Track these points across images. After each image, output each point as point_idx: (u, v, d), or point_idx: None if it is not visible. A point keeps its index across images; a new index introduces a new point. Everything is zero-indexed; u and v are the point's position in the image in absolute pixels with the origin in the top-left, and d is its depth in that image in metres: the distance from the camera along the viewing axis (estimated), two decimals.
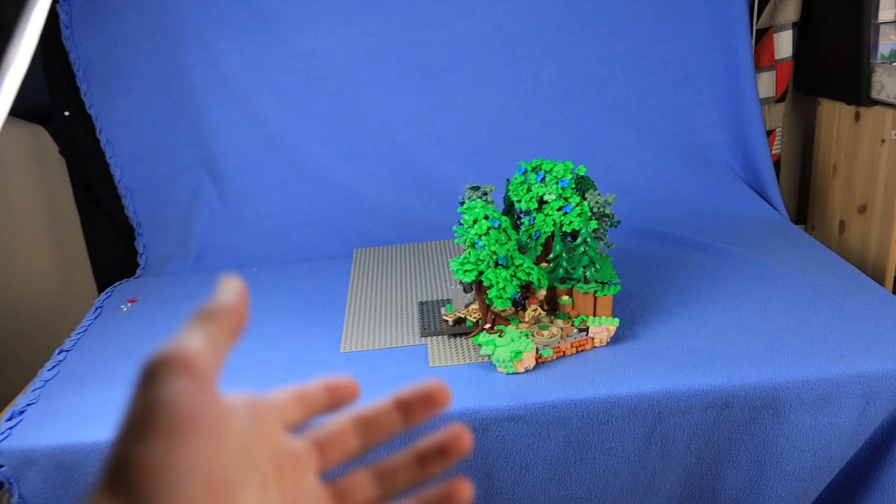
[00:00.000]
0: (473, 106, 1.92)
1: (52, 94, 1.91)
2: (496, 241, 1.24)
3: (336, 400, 0.39)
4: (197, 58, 1.87)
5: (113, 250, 2.01)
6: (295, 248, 1.90)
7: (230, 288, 0.36)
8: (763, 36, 1.95)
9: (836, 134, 1.96)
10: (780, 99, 2.00)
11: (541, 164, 1.37)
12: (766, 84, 1.98)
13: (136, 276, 1.91)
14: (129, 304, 1.70)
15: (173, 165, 1.95)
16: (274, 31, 1.86)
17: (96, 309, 1.70)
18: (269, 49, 1.87)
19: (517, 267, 1.26)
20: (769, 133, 2.01)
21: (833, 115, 1.96)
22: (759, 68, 1.97)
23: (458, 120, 1.92)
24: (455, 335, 1.41)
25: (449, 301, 1.52)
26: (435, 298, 1.58)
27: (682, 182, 1.92)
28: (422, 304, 1.55)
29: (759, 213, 1.87)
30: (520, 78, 1.91)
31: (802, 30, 1.98)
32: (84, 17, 1.85)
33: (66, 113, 1.92)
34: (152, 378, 0.31)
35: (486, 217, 1.24)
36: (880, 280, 1.85)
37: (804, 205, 2.20)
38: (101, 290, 1.95)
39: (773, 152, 2.06)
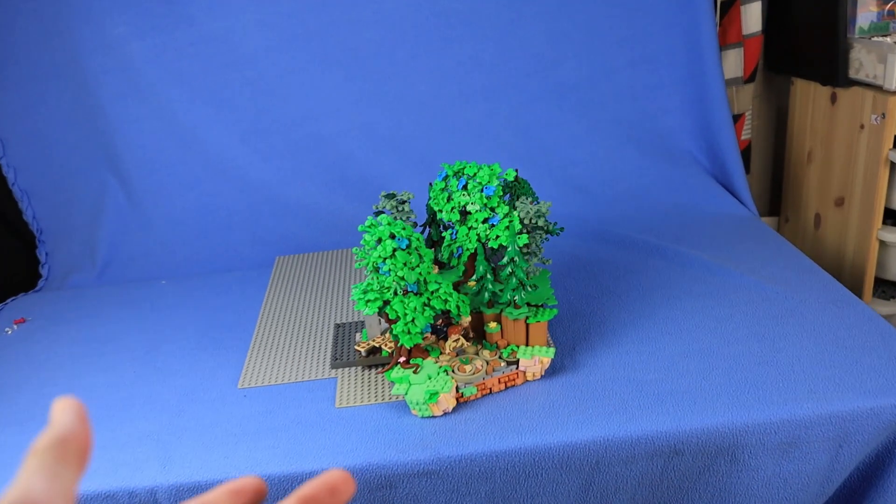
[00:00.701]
0: (406, 93, 1.71)
1: None
2: (405, 264, 1.04)
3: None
4: (92, 44, 1.65)
5: (14, 260, 1.80)
6: (212, 256, 1.71)
7: (66, 411, 0.32)
8: (729, 9, 1.75)
9: (811, 117, 1.77)
10: (749, 79, 1.80)
11: (463, 168, 1.18)
12: (734, 63, 1.78)
13: (37, 288, 1.71)
14: (14, 327, 1.51)
15: (74, 165, 1.74)
16: (178, 12, 1.64)
17: None
18: (173, 33, 1.65)
19: (432, 293, 1.07)
20: (737, 117, 1.82)
21: (807, 96, 1.77)
22: (724, 45, 1.77)
23: (390, 109, 1.72)
24: (368, 367, 1.22)
25: (364, 325, 1.33)
26: (354, 319, 1.38)
27: (641, 175, 1.73)
28: (338, 326, 1.36)
29: (725, 208, 1.68)
30: (457, 61, 1.70)
31: (773, 1, 1.77)
32: None
33: None
34: None
35: (393, 236, 1.05)
36: (859, 281, 1.67)
37: (777, 195, 2.01)
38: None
39: (743, 138, 1.87)
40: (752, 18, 1.75)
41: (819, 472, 1.07)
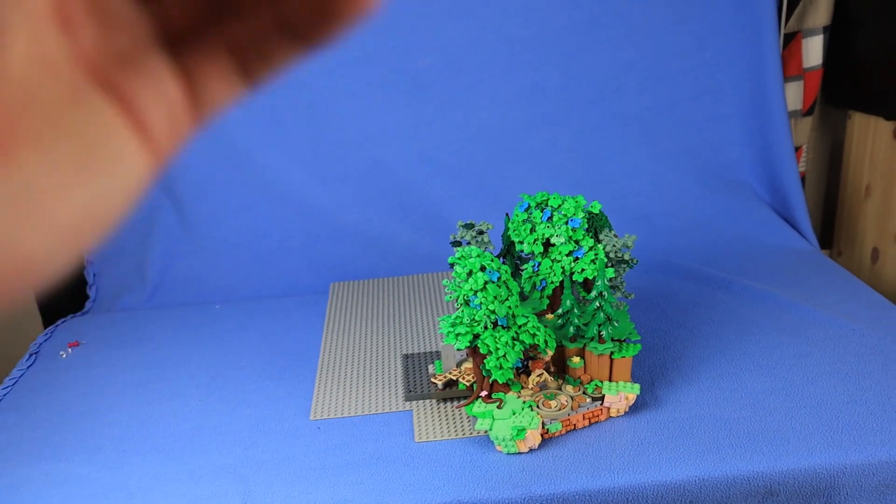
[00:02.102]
0: (468, 119, 1.70)
1: None
2: (495, 297, 1.02)
3: None
4: None
5: (60, 281, 1.78)
6: (265, 280, 1.68)
7: None
8: (790, 42, 1.74)
9: (871, 151, 1.75)
10: (808, 112, 1.79)
11: (547, 200, 1.16)
12: (793, 96, 1.77)
13: (84, 311, 1.69)
14: (69, 350, 1.48)
15: None
16: None
17: (30, 356, 1.48)
18: None
19: (520, 327, 1.05)
20: (795, 150, 1.80)
21: (867, 130, 1.76)
22: (785, 78, 1.76)
23: (451, 136, 1.70)
24: (445, 400, 1.20)
25: (438, 356, 1.30)
26: (422, 350, 1.36)
27: (702, 206, 1.71)
28: (406, 357, 1.33)
29: (786, 241, 1.66)
30: (520, 87, 1.69)
31: (834, 34, 1.77)
32: None
33: None
34: None
35: (483, 268, 1.03)
36: None
37: (829, 228, 1.99)
38: (47, 328, 1.73)
39: (799, 171, 1.85)
40: (813, 52, 1.74)
41: None
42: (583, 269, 1.11)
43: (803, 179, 1.89)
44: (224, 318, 1.56)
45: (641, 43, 1.68)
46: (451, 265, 1.05)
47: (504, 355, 1.02)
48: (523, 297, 1.22)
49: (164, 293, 1.70)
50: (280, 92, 1.68)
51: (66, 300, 1.75)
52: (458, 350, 1.07)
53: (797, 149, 1.82)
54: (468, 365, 1.20)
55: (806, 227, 1.68)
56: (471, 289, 1.02)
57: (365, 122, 1.69)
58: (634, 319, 1.39)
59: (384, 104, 1.69)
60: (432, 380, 1.20)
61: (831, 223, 1.98)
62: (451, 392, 1.19)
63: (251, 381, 1.32)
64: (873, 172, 1.75)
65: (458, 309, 1.05)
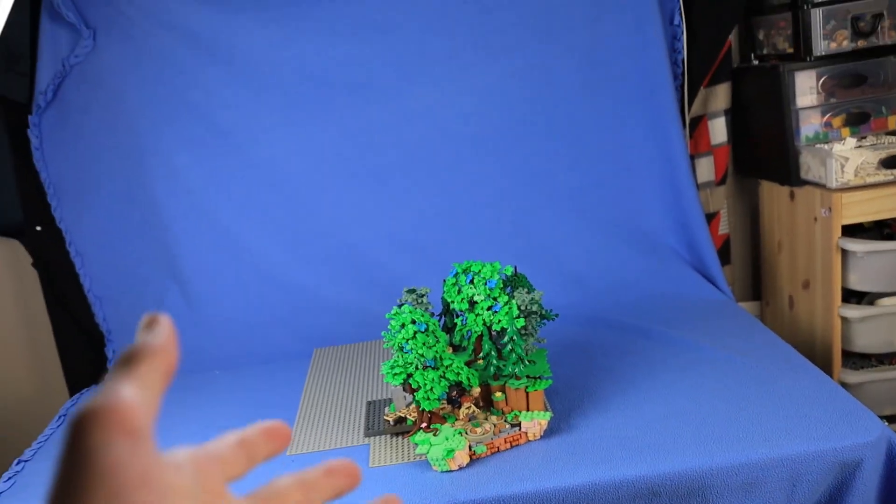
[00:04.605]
0: (424, 205, 2.01)
1: (24, 211, 2.01)
2: (423, 343, 1.29)
3: (274, 445, 0.37)
4: (160, 172, 1.97)
5: (84, 357, 2.07)
6: (257, 348, 1.96)
7: (157, 326, 0.33)
8: (698, 124, 2.04)
9: (777, 212, 2.03)
10: (721, 182, 2.08)
11: (470, 266, 1.44)
12: (706, 168, 2.06)
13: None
14: None
15: (140, 274, 2.03)
16: (231, 143, 1.97)
17: (60, 417, 1.75)
18: (226, 160, 1.97)
19: (447, 367, 1.32)
20: (713, 215, 2.08)
21: (772, 194, 2.04)
22: (696, 154, 2.06)
23: (410, 219, 2.01)
24: (396, 434, 1.45)
25: (392, 400, 1.57)
26: (382, 397, 1.62)
27: (630, 268, 1.98)
28: (369, 403, 1.60)
29: (704, 294, 1.93)
30: (467, 177, 2.00)
31: (735, 116, 2.07)
32: (53, 138, 1.96)
33: (38, 228, 2.01)
34: (83, 436, 0.28)
35: (414, 321, 1.30)
36: (828, 354, 1.89)
37: (758, 282, 2.26)
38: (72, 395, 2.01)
39: (721, 233, 2.13)
40: (718, 130, 2.04)
41: None
42: (499, 321, 1.38)
43: (729, 241, 2.16)
44: (221, 382, 1.84)
45: (566, 134, 1.99)
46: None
47: (431, 388, 1.28)
48: (458, 349, 1.49)
49: None
50: (266, 189, 2.00)
51: (89, 376, 2.04)
52: (394, 386, 1.33)
53: (715, 213, 2.10)
54: (414, 404, 1.46)
55: (720, 280, 1.94)
56: (403, 337, 1.29)
57: (337, 211, 2.00)
58: (561, 363, 1.65)
59: (353, 196, 2.00)
60: (385, 418, 1.46)
61: (759, 278, 2.24)
62: (400, 427, 1.45)
63: (238, 425, 1.58)
64: (781, 230, 2.03)
65: (394, 355, 1.32)
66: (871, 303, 1.86)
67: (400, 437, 1.44)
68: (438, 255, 2.02)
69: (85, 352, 2.08)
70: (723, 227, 2.13)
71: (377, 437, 1.46)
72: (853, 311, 1.82)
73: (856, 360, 1.96)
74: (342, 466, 0.38)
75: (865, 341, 1.85)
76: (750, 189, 2.20)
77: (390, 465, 1.36)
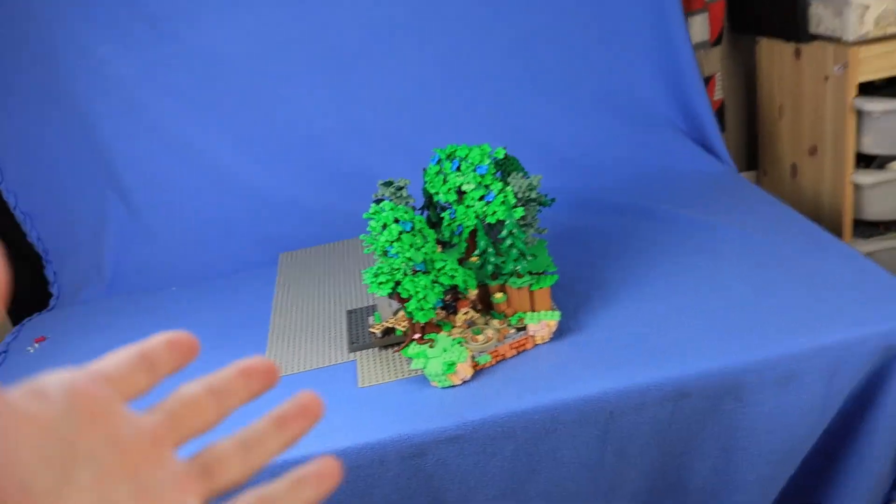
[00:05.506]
0: (390, 89, 1.77)
1: None
2: (411, 245, 1.11)
3: (180, 357, 0.35)
4: (79, 65, 1.69)
5: (23, 283, 1.85)
6: (216, 260, 1.76)
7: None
8: None
9: (778, 74, 1.84)
10: (716, 42, 1.88)
11: (455, 151, 1.24)
12: (700, 27, 1.85)
13: (49, 307, 1.76)
14: (35, 345, 1.56)
15: (73, 184, 1.79)
16: (162, 29, 1.69)
17: (0, 354, 1.55)
18: (159, 49, 1.70)
19: (438, 271, 1.14)
20: (708, 79, 1.89)
21: (773, 53, 1.84)
22: (689, 12, 1.84)
23: (376, 106, 1.78)
24: (385, 347, 1.29)
25: (376, 308, 1.39)
26: (364, 305, 1.45)
27: (622, 143, 1.80)
28: (350, 312, 1.42)
29: (704, 166, 1.76)
30: (435, 54, 1.77)
31: None
32: None
33: None
34: None
35: (397, 220, 1.11)
36: (838, 224, 1.75)
37: (753, 150, 2.09)
38: (15, 326, 1.80)
39: (716, 98, 1.94)
40: None
41: (816, 401, 1.15)
42: (494, 212, 1.20)
43: (723, 106, 1.98)
44: (180, 300, 1.64)
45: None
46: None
47: (424, 297, 1.10)
48: (447, 245, 1.30)
49: (122, 283, 1.77)
50: (210, 81, 1.74)
51: (31, 300, 1.82)
52: (380, 296, 1.15)
53: (710, 77, 1.90)
54: (403, 312, 1.29)
55: (721, 150, 1.77)
56: (386, 240, 1.10)
57: (293, 101, 1.76)
58: (559, 255, 1.48)
59: (309, 82, 1.76)
60: (371, 330, 1.29)
61: (755, 145, 2.08)
62: (389, 339, 1.28)
63: (205, 353, 1.40)
64: (783, 93, 1.85)
65: (377, 260, 1.13)
66: (882, 167, 1.71)
67: (390, 350, 1.28)
68: (409, 144, 1.81)
69: (22, 276, 1.84)
70: (718, 92, 1.94)
71: (364, 351, 1.29)
72: (867, 177, 1.67)
73: (863, 228, 1.83)
74: (257, 365, 0.36)
75: (877, 208, 1.71)
76: (745, 49, 2.00)
77: (383, 384, 1.20)
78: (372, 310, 1.40)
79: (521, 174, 1.24)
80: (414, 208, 1.27)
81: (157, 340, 0.34)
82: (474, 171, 1.21)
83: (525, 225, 1.22)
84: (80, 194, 1.79)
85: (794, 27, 1.68)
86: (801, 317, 1.18)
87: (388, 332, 1.28)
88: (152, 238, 1.78)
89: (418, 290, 1.10)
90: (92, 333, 1.57)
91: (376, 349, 1.29)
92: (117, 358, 0.32)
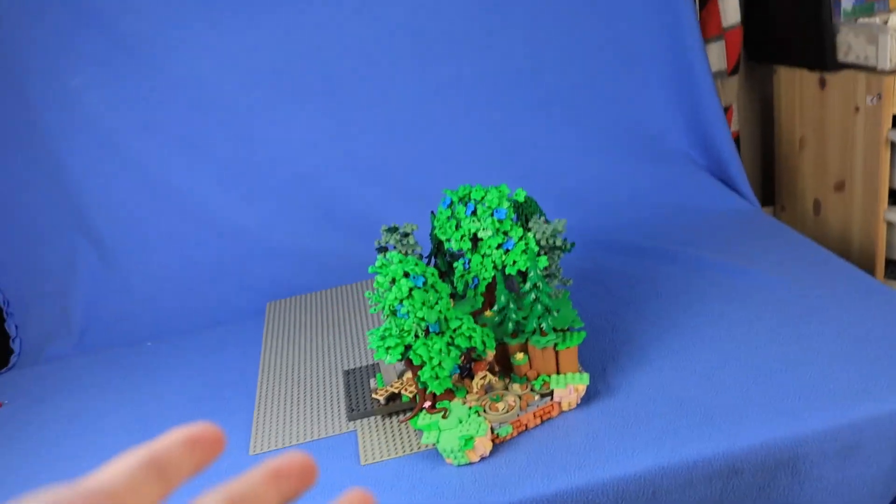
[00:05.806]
0: (387, 121, 1.64)
1: None
2: (423, 303, 0.96)
3: (202, 457, 0.28)
4: (50, 97, 1.55)
5: None
6: (197, 311, 1.60)
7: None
8: (707, 2, 1.71)
9: (800, 104, 1.73)
10: (734, 71, 1.77)
11: (469, 193, 1.10)
12: (716, 56, 1.74)
13: (9, 366, 1.60)
14: None
15: (40, 228, 1.64)
16: (138, 59, 1.55)
17: None
18: (135, 81, 1.56)
19: (454, 331, 0.99)
20: (725, 111, 1.77)
21: (793, 83, 1.73)
22: (705, 39, 1.73)
23: (371, 139, 1.64)
24: (390, 415, 1.14)
25: (377, 369, 1.24)
26: (363, 364, 1.30)
27: (636, 179, 1.67)
28: (347, 373, 1.27)
29: (726, 204, 1.63)
30: (436, 82, 1.63)
31: None
32: None
33: None
34: None
35: (407, 274, 0.97)
36: (869, 264, 1.63)
37: (769, 185, 1.98)
38: None
39: (732, 130, 1.82)
40: (730, 10, 1.71)
41: (881, 473, 1.01)
42: (514, 262, 1.06)
43: (737, 139, 1.87)
44: (157, 356, 1.48)
45: (552, 22, 1.63)
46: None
47: (439, 364, 0.96)
48: (459, 297, 1.16)
49: (93, 337, 1.61)
50: (190, 114, 1.60)
51: None
52: (388, 363, 1.01)
53: (727, 109, 1.79)
54: (410, 375, 1.14)
55: (744, 186, 1.65)
56: (396, 298, 0.96)
57: (282, 136, 1.62)
58: (578, 303, 1.35)
59: (299, 114, 1.62)
60: (374, 395, 1.14)
61: (771, 180, 1.96)
62: (394, 406, 1.13)
63: (186, 419, 1.25)
64: (805, 125, 1.73)
65: (385, 320, 0.99)
66: None
67: (395, 419, 1.13)
68: (407, 181, 1.67)
69: None
70: (733, 125, 1.82)
71: (364, 420, 1.14)
72: None
73: (893, 268, 1.71)
74: (290, 464, 0.28)
75: None
76: (761, 78, 1.89)
77: (389, 461, 1.05)
78: (373, 370, 1.25)
79: (542, 218, 1.11)
80: (421, 256, 1.13)
81: (173, 440, 0.28)
82: (492, 215, 1.07)
83: (549, 276, 1.08)
84: (48, 239, 1.63)
85: (821, 55, 1.57)
86: (857, 377, 1.05)
87: (394, 397, 1.14)
88: (126, 287, 1.62)
89: (432, 355, 0.95)
90: (58, 397, 1.40)
91: (379, 417, 1.14)
92: (121, 467, 0.26)
